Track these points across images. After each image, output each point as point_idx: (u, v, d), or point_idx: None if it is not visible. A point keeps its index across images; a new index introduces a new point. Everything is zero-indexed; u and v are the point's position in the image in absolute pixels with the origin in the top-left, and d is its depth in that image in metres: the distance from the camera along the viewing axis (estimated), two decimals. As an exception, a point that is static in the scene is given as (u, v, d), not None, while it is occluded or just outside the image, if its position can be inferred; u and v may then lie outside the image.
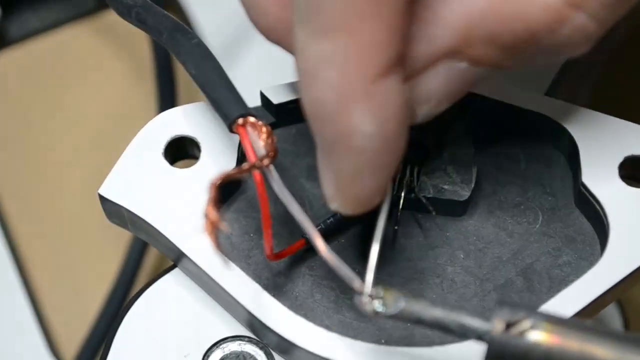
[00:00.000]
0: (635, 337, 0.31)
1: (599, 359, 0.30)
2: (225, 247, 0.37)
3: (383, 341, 0.36)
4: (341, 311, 0.36)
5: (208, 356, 0.36)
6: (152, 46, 0.52)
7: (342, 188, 0.33)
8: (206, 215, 0.32)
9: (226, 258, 0.34)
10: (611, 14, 0.32)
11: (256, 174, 0.34)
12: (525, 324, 0.30)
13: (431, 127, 0.37)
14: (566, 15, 0.32)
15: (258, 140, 0.34)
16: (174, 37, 0.36)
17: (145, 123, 0.51)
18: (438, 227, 0.38)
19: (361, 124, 0.31)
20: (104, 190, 0.37)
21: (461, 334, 0.31)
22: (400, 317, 0.32)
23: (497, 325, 0.30)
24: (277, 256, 0.36)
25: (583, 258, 0.37)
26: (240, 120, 0.35)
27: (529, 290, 0.37)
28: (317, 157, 0.33)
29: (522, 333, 0.30)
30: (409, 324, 0.36)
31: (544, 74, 0.42)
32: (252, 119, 0.35)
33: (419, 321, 0.32)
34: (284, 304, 0.35)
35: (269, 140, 0.34)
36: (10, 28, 0.55)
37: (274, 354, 0.36)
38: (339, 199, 0.33)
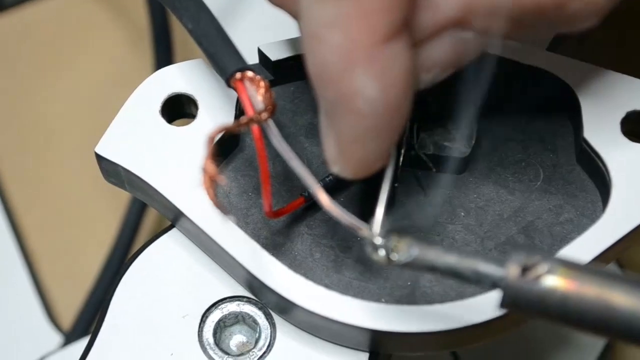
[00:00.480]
0: None
1: (617, 304, 0.29)
2: (225, 207, 0.36)
3: (383, 300, 0.35)
4: (341, 270, 0.36)
5: (207, 317, 0.36)
6: (148, 9, 0.51)
7: (344, 152, 0.32)
8: (204, 169, 0.32)
9: (224, 214, 0.33)
10: None
11: (254, 128, 0.33)
12: (542, 268, 0.30)
13: (431, 85, 0.37)
14: None
15: (256, 94, 0.34)
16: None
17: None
18: (438, 185, 0.37)
19: (364, 88, 0.31)
20: (101, 149, 0.37)
21: (476, 280, 0.31)
22: (413, 265, 0.31)
23: (512, 270, 0.30)
24: (276, 214, 0.35)
25: (585, 215, 0.37)
26: (238, 75, 0.34)
27: (530, 247, 0.36)
28: (319, 119, 0.33)
29: (538, 277, 0.29)
30: (409, 282, 0.36)
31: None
32: (249, 74, 0.34)
33: (432, 269, 0.31)
34: (283, 263, 0.35)
35: (267, 95, 0.34)
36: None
37: (272, 314, 0.36)
38: (341, 162, 0.33)
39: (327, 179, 0.36)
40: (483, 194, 0.37)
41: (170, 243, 0.37)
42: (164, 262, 0.37)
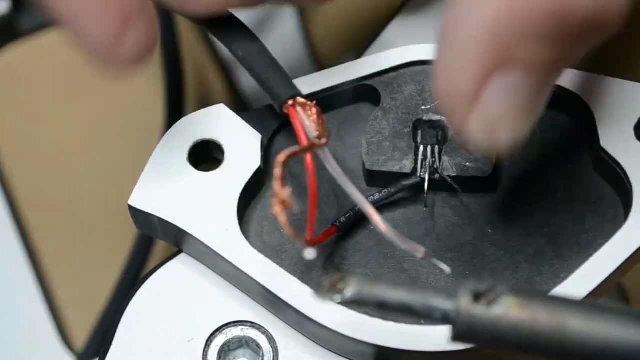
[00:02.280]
0: (608, 307, 0.30)
1: (571, 328, 0.29)
2: (258, 247, 0.37)
3: (422, 322, 0.36)
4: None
5: (211, 341, 0.37)
6: (161, 37, 0.52)
7: None
8: (276, 194, 0.32)
9: (297, 240, 0.34)
10: None
11: (307, 157, 0.34)
12: (492, 294, 0.29)
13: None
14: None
15: (308, 120, 0.35)
16: (219, 22, 0.37)
17: (154, 113, 0.52)
18: (464, 205, 0.38)
19: None
20: (134, 201, 0.37)
21: (426, 314, 0.30)
22: (360, 301, 0.31)
23: (463, 299, 0.29)
24: (314, 242, 0.36)
25: (608, 221, 0.38)
26: (290, 101, 0.35)
27: (559, 257, 0.37)
28: None
29: (489, 303, 0.29)
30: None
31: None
32: (301, 100, 0.35)
33: (382, 305, 0.30)
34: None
35: (320, 121, 0.35)
36: (21, 21, 0.55)
37: (275, 338, 0.37)
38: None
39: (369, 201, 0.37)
40: (507, 209, 0.38)
41: (178, 268, 0.38)
42: (170, 287, 0.38)
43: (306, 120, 0.35)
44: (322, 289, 0.31)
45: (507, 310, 0.29)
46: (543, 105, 0.32)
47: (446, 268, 0.35)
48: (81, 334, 0.50)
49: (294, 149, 0.34)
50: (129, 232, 0.50)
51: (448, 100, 0.31)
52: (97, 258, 0.51)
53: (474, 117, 0.31)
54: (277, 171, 0.33)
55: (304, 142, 0.35)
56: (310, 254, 0.33)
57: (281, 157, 0.33)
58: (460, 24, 0.30)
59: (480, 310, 0.29)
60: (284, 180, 0.33)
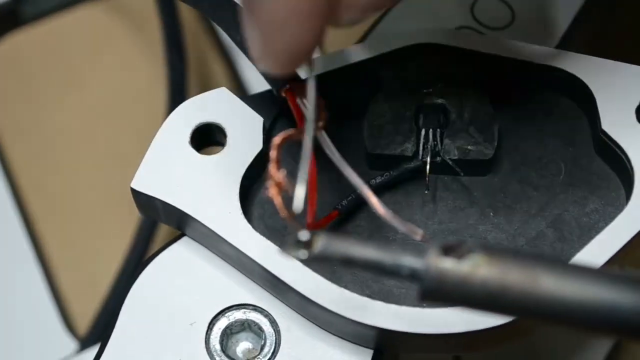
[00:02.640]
0: (582, 266, 0.29)
1: (543, 286, 0.28)
2: (261, 230, 0.37)
3: (424, 305, 0.36)
4: (380, 279, 0.37)
5: (214, 324, 0.37)
6: (162, 22, 0.52)
7: (268, 41, 0.31)
8: (271, 177, 0.32)
9: (293, 224, 0.34)
10: None
11: (307, 138, 0.34)
12: (462, 250, 0.28)
13: (450, 91, 0.38)
14: None
15: (306, 103, 0.35)
16: (218, 8, 0.37)
17: (156, 100, 0.52)
18: (465, 188, 0.38)
19: None
20: (137, 184, 0.38)
21: (394, 271, 0.29)
22: (327, 257, 0.30)
23: (432, 253, 0.28)
24: (316, 225, 0.36)
25: (609, 204, 0.38)
26: (288, 85, 0.35)
27: (561, 240, 0.37)
28: (242, 18, 0.32)
29: (459, 258, 0.28)
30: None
31: (555, 27, 0.42)
32: (300, 84, 0.35)
33: (349, 261, 0.30)
34: (325, 278, 0.36)
35: (319, 105, 0.35)
36: (24, 8, 0.55)
37: (277, 321, 0.37)
38: (267, 55, 0.32)
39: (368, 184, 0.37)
40: (509, 192, 0.38)
41: (180, 252, 0.38)
42: (172, 270, 0.38)
43: (303, 104, 0.35)
44: (288, 246, 0.30)
45: (477, 266, 0.28)
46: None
47: None
48: (84, 320, 0.50)
49: (290, 131, 0.34)
50: (132, 218, 0.51)
51: None
52: (100, 243, 0.52)
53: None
54: (273, 153, 0.33)
55: (301, 124, 0.35)
56: (304, 236, 0.33)
57: (276, 140, 0.33)
58: None
59: (449, 265, 0.28)
60: (280, 163, 0.33)
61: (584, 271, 0.29)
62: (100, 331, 0.49)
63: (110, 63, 0.55)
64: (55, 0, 0.55)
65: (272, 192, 0.33)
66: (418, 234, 0.34)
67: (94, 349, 0.47)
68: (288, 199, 0.33)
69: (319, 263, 0.33)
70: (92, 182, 0.53)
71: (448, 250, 0.29)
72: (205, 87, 0.53)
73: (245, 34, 0.32)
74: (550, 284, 0.28)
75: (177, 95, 0.51)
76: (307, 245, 0.30)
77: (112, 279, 0.50)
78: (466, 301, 0.29)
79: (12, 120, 0.54)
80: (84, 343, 0.49)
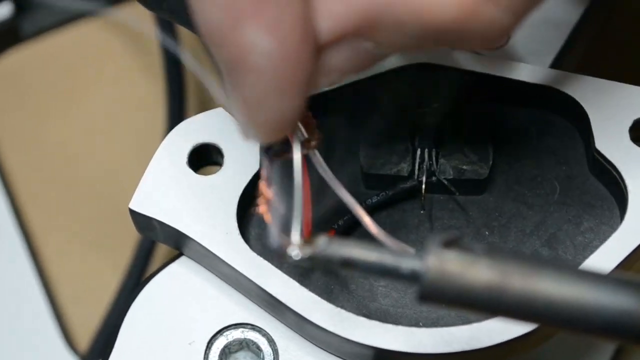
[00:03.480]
0: (583, 271, 0.29)
1: (542, 289, 0.28)
2: (258, 250, 0.38)
3: (421, 324, 0.37)
4: (377, 299, 0.37)
5: (212, 343, 0.38)
6: (160, 37, 0.53)
7: (252, 115, 0.32)
8: (261, 194, 0.33)
9: (283, 242, 0.34)
10: (527, 5, 0.31)
11: (299, 158, 0.34)
12: (461, 244, 0.29)
13: (445, 111, 0.39)
14: (477, 10, 0.30)
15: (299, 124, 0.35)
16: None
17: (155, 117, 0.53)
18: (461, 207, 0.39)
19: (256, 41, 0.30)
20: (135, 205, 0.38)
21: (394, 270, 0.30)
22: (328, 257, 0.30)
23: (433, 247, 0.29)
24: None
25: (604, 223, 0.38)
26: None
27: (555, 259, 0.38)
28: (223, 85, 0.32)
29: (459, 251, 0.28)
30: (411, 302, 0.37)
31: (549, 46, 0.43)
32: None
33: (349, 262, 0.30)
34: (322, 298, 0.36)
35: (312, 124, 0.35)
36: (24, 25, 0.56)
37: (275, 340, 0.37)
38: (252, 128, 0.32)
39: (362, 205, 0.38)
40: (504, 211, 0.39)
41: (178, 271, 0.39)
42: (171, 289, 0.38)
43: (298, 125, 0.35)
44: (290, 246, 0.31)
45: (477, 261, 0.28)
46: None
47: None
48: (85, 336, 0.50)
49: (281, 150, 0.34)
50: (132, 233, 0.51)
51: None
52: (100, 259, 0.52)
53: (321, 58, 0.32)
54: (264, 172, 0.33)
55: (295, 144, 0.35)
56: (294, 252, 0.33)
57: (268, 159, 0.34)
58: None
59: (450, 256, 0.28)
60: (271, 181, 0.33)
61: (586, 274, 0.29)
62: (100, 347, 0.49)
63: (109, 78, 0.55)
64: (54, 17, 0.56)
65: (263, 209, 0.33)
66: (408, 252, 0.34)
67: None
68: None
69: (319, 267, 0.33)
70: (91, 196, 0.53)
71: (448, 244, 0.29)
72: (203, 102, 0.53)
73: (230, 107, 0.32)
74: (551, 285, 0.28)
75: (176, 111, 0.51)
76: (308, 246, 0.30)
77: (112, 294, 0.50)
78: (465, 298, 0.29)
79: (11, 134, 0.54)
80: (84, 359, 0.50)
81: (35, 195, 0.53)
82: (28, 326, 0.51)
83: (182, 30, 0.53)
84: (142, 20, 0.55)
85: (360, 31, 0.31)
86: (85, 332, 0.51)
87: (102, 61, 0.56)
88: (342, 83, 0.39)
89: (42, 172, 0.54)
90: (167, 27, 0.51)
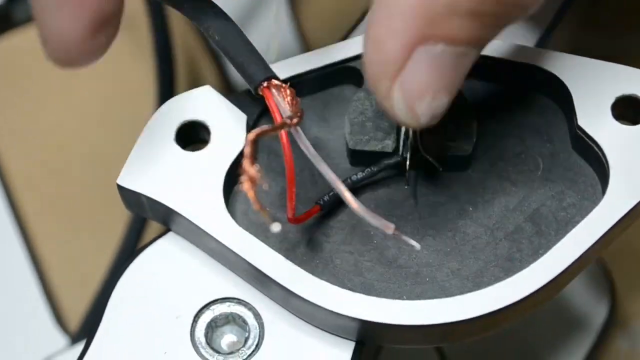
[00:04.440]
0: None
1: None
2: (244, 225, 0.38)
3: (404, 297, 0.37)
4: (362, 273, 0.38)
5: (199, 317, 0.38)
6: (151, 27, 0.53)
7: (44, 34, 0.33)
8: (244, 171, 0.33)
9: (266, 218, 0.35)
10: None
11: (283, 133, 0.35)
12: None
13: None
14: None
15: (283, 101, 0.36)
16: (197, 7, 0.38)
17: (146, 101, 0.53)
18: (445, 184, 0.39)
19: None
20: (123, 180, 0.38)
21: None
22: None
23: None
24: (297, 220, 0.37)
25: (586, 198, 0.39)
26: (265, 83, 0.36)
27: (538, 234, 0.38)
28: None
29: None
30: (427, 278, 0.37)
31: (535, 26, 0.43)
32: (276, 82, 0.36)
33: None
34: (307, 271, 0.37)
35: (294, 102, 0.36)
36: (15, 11, 0.56)
37: (261, 314, 0.38)
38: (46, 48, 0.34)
39: (348, 181, 0.38)
40: (488, 187, 0.39)
41: (165, 247, 0.39)
42: (158, 265, 0.39)
43: (280, 101, 0.36)
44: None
45: None
46: (462, 81, 0.34)
47: (415, 244, 0.36)
48: (76, 316, 0.51)
49: (264, 127, 0.35)
50: (123, 216, 0.51)
51: (375, 67, 0.33)
52: (91, 241, 0.53)
53: (397, 86, 0.33)
54: (247, 149, 0.34)
55: (278, 121, 0.35)
56: (276, 227, 0.34)
57: (251, 136, 0.34)
58: None
59: None
60: (254, 158, 0.33)
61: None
62: (90, 326, 0.50)
63: (100, 64, 0.55)
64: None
65: (246, 186, 0.33)
66: (390, 227, 0.35)
67: (82, 345, 0.49)
68: (263, 193, 0.34)
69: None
70: (83, 181, 0.54)
71: None
72: (193, 86, 0.54)
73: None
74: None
75: (165, 94, 0.51)
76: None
77: (102, 275, 0.51)
78: None
79: (3, 121, 0.54)
80: (75, 338, 0.50)
81: (27, 178, 0.54)
82: (19, 307, 0.51)
83: (172, 15, 0.54)
84: (132, 2, 0.56)
85: (423, 35, 0.32)
86: (77, 313, 0.51)
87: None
88: (329, 62, 0.40)
89: (33, 156, 0.54)
90: (157, 11, 0.52)
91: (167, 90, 0.52)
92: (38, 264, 0.52)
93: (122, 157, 0.48)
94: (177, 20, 0.54)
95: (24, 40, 0.56)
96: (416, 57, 0.32)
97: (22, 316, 0.51)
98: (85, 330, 0.50)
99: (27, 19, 0.56)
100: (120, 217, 0.51)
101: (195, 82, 0.55)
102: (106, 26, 0.34)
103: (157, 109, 0.52)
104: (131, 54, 0.56)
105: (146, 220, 0.51)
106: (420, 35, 0.32)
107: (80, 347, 0.48)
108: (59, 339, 0.50)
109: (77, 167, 0.54)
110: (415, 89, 0.33)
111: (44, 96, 0.55)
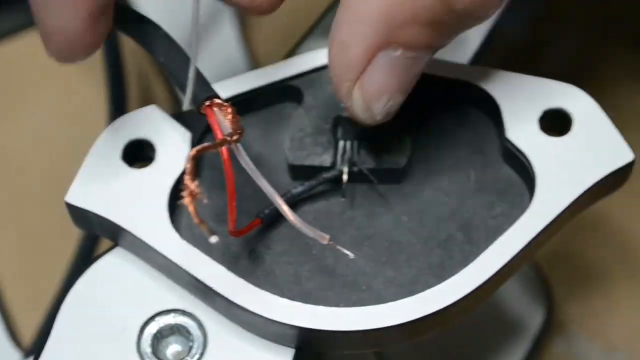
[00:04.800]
0: None
1: None
2: (188, 238, 0.40)
3: (342, 304, 0.39)
4: (301, 283, 0.39)
5: (144, 329, 0.39)
6: (103, 48, 0.55)
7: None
8: (185, 186, 0.35)
9: (206, 232, 0.36)
10: None
11: (223, 150, 0.37)
12: None
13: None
14: None
15: (224, 119, 0.37)
16: (142, 29, 0.40)
17: (96, 120, 0.55)
18: (381, 196, 0.41)
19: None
20: (71, 198, 0.40)
21: None
22: None
23: None
24: (239, 232, 0.39)
25: (515, 207, 0.40)
26: (208, 102, 0.38)
27: (469, 242, 0.40)
28: None
29: None
30: (363, 287, 0.39)
31: (467, 45, 0.45)
32: (217, 101, 0.38)
33: None
34: (249, 282, 0.38)
35: (235, 120, 0.37)
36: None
37: (204, 324, 0.39)
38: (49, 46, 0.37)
39: (287, 195, 0.40)
40: (422, 199, 0.41)
41: (112, 261, 0.41)
42: (105, 279, 0.40)
43: (221, 119, 0.38)
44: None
45: None
46: (414, 82, 0.37)
47: (349, 253, 0.38)
48: (28, 330, 0.52)
49: (205, 144, 0.36)
50: (76, 233, 0.53)
51: (338, 69, 0.36)
52: (45, 257, 0.54)
53: (357, 87, 0.36)
54: (188, 165, 0.35)
55: (219, 138, 0.37)
56: (213, 239, 0.36)
57: (191, 152, 0.36)
58: (359, 2, 0.35)
59: None
60: (194, 174, 0.35)
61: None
62: (43, 341, 0.51)
63: (51, 85, 0.57)
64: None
65: (187, 200, 0.35)
66: (325, 238, 0.37)
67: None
68: (208, 207, 0.36)
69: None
70: (37, 198, 0.55)
71: None
72: (145, 104, 0.56)
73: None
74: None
75: (117, 113, 0.53)
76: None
77: (55, 290, 0.52)
78: None
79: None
80: (28, 352, 0.51)
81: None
82: None
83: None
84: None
85: (384, 41, 0.35)
86: (31, 328, 0.52)
87: (43, 68, 0.58)
88: (271, 81, 0.42)
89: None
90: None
91: (118, 108, 0.53)
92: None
93: (74, 175, 0.50)
94: (127, 39, 0.56)
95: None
96: (377, 61, 0.35)
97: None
98: (38, 345, 0.51)
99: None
100: (73, 234, 0.53)
101: (146, 100, 0.56)
102: (103, 15, 0.37)
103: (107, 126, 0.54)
104: (82, 74, 0.57)
105: (96, 240, 0.53)
106: (384, 41, 0.35)
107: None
108: (13, 354, 0.51)
109: (30, 185, 0.55)
110: (374, 90, 0.36)
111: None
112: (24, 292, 0.54)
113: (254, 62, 0.56)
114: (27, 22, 0.58)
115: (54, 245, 0.54)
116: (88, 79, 0.57)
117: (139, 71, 0.56)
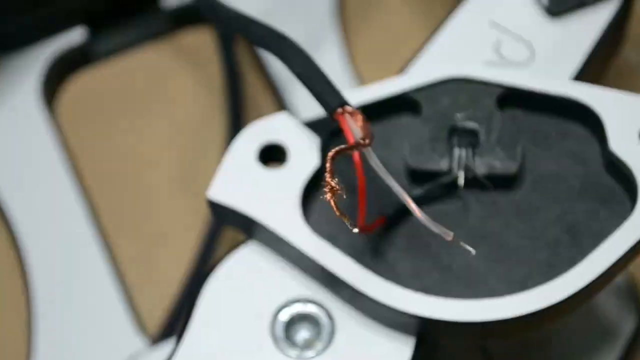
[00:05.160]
0: None
1: None
2: (317, 231, 0.43)
3: (459, 297, 0.42)
4: (420, 278, 0.43)
5: (277, 316, 0.43)
6: (221, 64, 0.60)
7: None
8: (327, 183, 0.39)
9: (348, 223, 0.40)
10: None
11: (356, 153, 0.41)
12: None
13: (479, 116, 0.45)
14: None
15: (355, 125, 0.41)
16: (279, 44, 0.45)
17: (215, 135, 0.59)
18: (493, 200, 0.45)
19: None
20: (212, 194, 0.44)
21: None
22: None
23: None
24: (367, 228, 0.42)
25: (617, 214, 0.44)
26: (340, 110, 0.42)
27: (574, 245, 0.43)
28: None
29: None
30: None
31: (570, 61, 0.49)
32: (349, 108, 0.42)
33: None
34: (378, 275, 0.42)
35: (365, 126, 0.41)
36: (97, 47, 0.61)
37: (332, 314, 0.43)
38: None
39: (413, 195, 0.44)
40: (530, 203, 0.44)
41: (247, 254, 0.45)
42: (241, 271, 0.44)
43: (353, 125, 0.42)
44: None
45: None
46: None
47: (471, 249, 0.42)
48: (152, 318, 0.56)
49: (341, 147, 0.40)
50: (196, 228, 0.57)
51: None
52: (168, 250, 0.57)
53: None
54: (328, 164, 0.39)
55: (351, 142, 0.41)
56: (355, 230, 0.40)
57: (330, 153, 0.40)
58: None
59: None
60: (333, 172, 0.39)
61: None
62: (170, 327, 0.55)
63: (173, 99, 0.61)
64: (124, 39, 0.62)
65: (328, 196, 0.39)
66: (449, 235, 0.41)
67: (163, 346, 0.54)
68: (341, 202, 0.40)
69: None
70: (159, 197, 0.59)
71: None
72: (256, 116, 0.60)
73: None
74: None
75: (234, 122, 0.58)
76: None
77: (178, 279, 0.56)
78: None
79: (87, 147, 0.60)
80: (154, 340, 0.55)
81: (109, 200, 0.59)
82: (99, 309, 0.55)
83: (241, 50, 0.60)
84: (203, 42, 0.62)
85: None
86: (153, 315, 0.56)
87: (166, 82, 0.62)
88: (391, 93, 0.46)
89: (115, 181, 0.59)
90: (228, 47, 0.58)
91: (235, 117, 0.58)
92: (119, 273, 0.56)
93: (195, 177, 0.54)
94: (242, 57, 0.60)
95: (104, 75, 0.62)
96: None
97: (101, 318, 0.55)
98: (166, 332, 0.54)
99: (106, 55, 0.62)
100: (192, 227, 0.57)
101: (257, 111, 0.60)
102: None
103: (226, 133, 0.58)
104: (201, 85, 0.62)
105: (220, 227, 0.57)
106: None
107: (159, 348, 0.53)
108: (138, 340, 0.54)
109: (152, 187, 0.59)
110: None
111: (122, 124, 0.61)
112: (146, 279, 0.57)
113: (358, 79, 0.60)
114: (149, 34, 0.62)
115: (175, 241, 0.58)
116: (206, 89, 0.61)
117: (251, 91, 0.61)
